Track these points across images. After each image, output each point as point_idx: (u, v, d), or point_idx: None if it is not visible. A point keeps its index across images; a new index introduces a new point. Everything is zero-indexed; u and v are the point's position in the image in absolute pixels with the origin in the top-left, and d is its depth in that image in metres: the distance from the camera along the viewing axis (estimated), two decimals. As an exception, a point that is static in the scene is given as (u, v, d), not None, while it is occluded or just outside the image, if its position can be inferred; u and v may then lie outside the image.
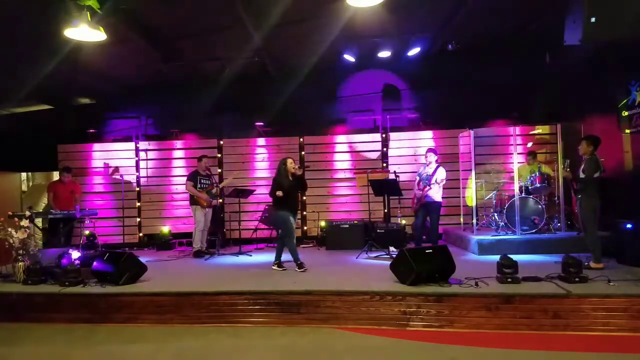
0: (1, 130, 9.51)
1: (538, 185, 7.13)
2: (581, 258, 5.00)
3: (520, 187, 7.31)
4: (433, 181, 6.89)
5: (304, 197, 9.29)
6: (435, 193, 6.98)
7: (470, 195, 8.08)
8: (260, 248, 8.49)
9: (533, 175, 7.28)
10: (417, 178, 7.28)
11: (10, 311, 5.12)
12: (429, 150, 7.29)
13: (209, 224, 7.82)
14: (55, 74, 7.39)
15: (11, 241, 5.63)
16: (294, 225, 6.05)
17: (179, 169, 9.44)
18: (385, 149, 9.26)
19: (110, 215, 9.33)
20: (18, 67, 7.35)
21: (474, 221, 7.80)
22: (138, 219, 9.44)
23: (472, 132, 7.63)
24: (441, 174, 6.99)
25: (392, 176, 7.63)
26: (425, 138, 9.18)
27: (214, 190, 7.68)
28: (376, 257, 6.85)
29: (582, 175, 5.57)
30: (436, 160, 7.19)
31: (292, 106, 9.06)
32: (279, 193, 5.87)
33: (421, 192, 7.01)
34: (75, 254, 6.01)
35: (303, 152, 9.37)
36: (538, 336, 4.21)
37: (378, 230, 7.76)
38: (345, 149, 9.36)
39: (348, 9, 5.95)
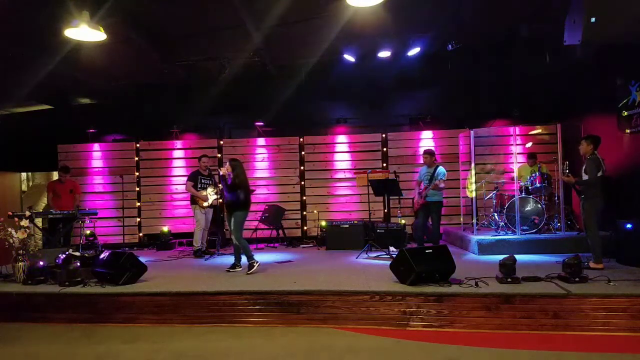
0: (1, 130, 9.51)
1: (538, 185, 7.13)
2: (582, 258, 4.99)
3: (520, 187, 7.31)
4: (434, 180, 6.85)
5: (304, 197, 9.30)
6: (436, 192, 6.93)
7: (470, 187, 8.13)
8: (260, 248, 8.50)
9: (533, 175, 7.28)
10: (419, 179, 7.27)
11: (10, 311, 5.11)
12: (427, 151, 7.23)
13: (209, 224, 7.83)
14: (55, 74, 7.39)
15: (11, 241, 5.62)
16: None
17: (179, 169, 9.45)
18: (385, 149, 9.27)
19: (110, 215, 9.35)
20: (18, 67, 7.35)
21: (474, 221, 7.80)
22: (138, 219, 9.46)
23: (472, 132, 7.63)
24: (442, 173, 6.96)
25: (392, 176, 7.63)
26: (426, 138, 9.20)
27: (214, 190, 7.67)
28: (376, 257, 6.84)
29: (584, 177, 5.55)
30: (434, 160, 7.13)
31: (292, 106, 9.05)
32: None
33: (420, 194, 6.99)
34: (74, 254, 6.01)
35: (303, 152, 9.37)
36: (538, 336, 4.21)
37: (378, 230, 7.76)
38: (345, 149, 9.37)
39: (348, 9, 5.95)
